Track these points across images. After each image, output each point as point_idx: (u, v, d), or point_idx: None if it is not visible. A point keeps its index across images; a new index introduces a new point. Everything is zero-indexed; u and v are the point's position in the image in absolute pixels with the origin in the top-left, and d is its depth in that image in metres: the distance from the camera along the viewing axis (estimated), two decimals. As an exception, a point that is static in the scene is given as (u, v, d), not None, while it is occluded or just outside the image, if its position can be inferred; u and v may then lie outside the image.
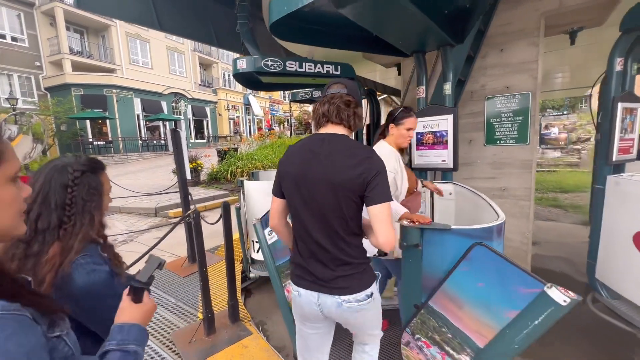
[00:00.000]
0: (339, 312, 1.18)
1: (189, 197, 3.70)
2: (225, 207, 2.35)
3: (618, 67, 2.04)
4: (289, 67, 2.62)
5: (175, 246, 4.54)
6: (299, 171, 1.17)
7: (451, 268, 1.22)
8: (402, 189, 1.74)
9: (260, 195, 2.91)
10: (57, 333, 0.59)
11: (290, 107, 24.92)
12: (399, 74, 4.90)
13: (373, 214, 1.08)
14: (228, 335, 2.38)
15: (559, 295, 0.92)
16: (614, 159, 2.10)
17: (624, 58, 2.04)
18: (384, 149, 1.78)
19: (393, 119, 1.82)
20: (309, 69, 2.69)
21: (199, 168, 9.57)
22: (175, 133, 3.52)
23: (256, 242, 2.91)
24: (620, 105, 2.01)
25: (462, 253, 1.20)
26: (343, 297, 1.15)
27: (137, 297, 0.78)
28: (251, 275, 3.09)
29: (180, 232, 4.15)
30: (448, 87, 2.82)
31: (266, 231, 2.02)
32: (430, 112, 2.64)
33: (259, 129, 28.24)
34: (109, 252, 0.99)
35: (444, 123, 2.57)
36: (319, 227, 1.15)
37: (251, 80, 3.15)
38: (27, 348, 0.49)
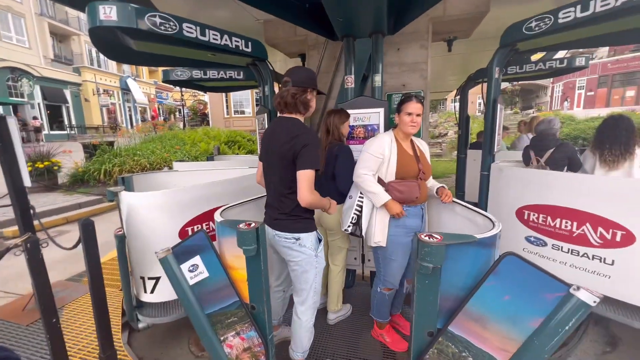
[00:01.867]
0: (274, 241, 1.66)
1: (31, 211, 2.63)
2: (86, 228, 1.66)
3: (496, 75, 2.35)
4: (187, 32, 1.88)
5: (14, 280, 3.28)
6: (264, 143, 1.66)
7: (475, 284, 1.10)
8: (387, 174, 1.84)
9: (151, 212, 1.98)
10: None
11: (182, 95, 21.83)
12: (304, 65, 4.75)
13: (298, 176, 1.48)
14: (101, 400, 1.74)
15: (589, 297, 0.91)
16: (495, 150, 2.46)
17: (499, 68, 2.35)
18: (379, 136, 1.93)
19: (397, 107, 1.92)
20: (213, 39, 2.03)
21: (55, 168, 7.40)
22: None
23: (149, 278, 2.07)
24: (499, 106, 2.35)
25: (480, 265, 1.10)
26: (276, 232, 1.64)
27: None
28: (140, 325, 2.16)
29: (21, 260, 2.98)
30: (378, 79, 2.78)
31: (184, 267, 1.46)
32: (359, 105, 2.55)
33: (152, 118, 24.16)
34: None
35: (375, 116, 2.51)
36: (272, 185, 1.65)
37: (114, 45, 2.10)
38: None
